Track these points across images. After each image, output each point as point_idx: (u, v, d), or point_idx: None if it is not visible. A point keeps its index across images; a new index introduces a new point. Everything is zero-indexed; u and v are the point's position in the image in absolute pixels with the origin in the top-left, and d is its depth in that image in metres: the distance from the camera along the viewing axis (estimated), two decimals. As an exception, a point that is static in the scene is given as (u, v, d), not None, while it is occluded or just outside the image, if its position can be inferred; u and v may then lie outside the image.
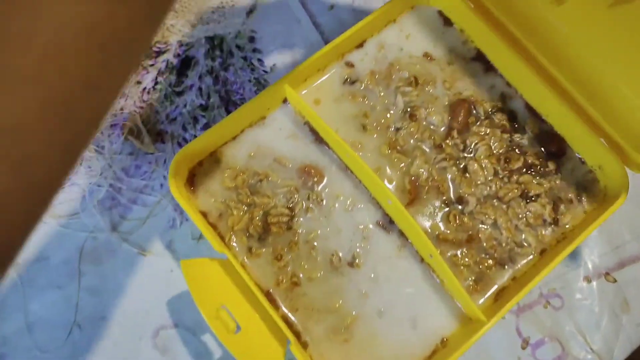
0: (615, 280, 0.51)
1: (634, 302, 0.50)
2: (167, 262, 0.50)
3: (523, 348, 0.49)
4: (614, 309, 0.51)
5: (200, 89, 0.54)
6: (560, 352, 0.50)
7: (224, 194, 0.45)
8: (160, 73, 0.54)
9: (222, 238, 0.44)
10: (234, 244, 0.44)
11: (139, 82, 0.54)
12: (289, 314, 0.43)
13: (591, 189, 0.46)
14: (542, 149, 0.47)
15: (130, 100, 0.53)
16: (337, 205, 0.45)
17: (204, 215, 0.45)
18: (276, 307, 0.43)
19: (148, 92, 0.54)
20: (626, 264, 0.52)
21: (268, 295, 0.43)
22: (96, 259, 0.50)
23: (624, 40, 0.39)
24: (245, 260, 0.44)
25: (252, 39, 0.55)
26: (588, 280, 0.51)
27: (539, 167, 0.47)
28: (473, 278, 0.44)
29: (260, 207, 0.45)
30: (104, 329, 0.48)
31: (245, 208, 0.45)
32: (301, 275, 0.44)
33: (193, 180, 0.46)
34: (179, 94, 0.54)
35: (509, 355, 0.49)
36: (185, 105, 0.54)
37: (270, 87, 0.43)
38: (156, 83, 0.54)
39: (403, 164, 0.46)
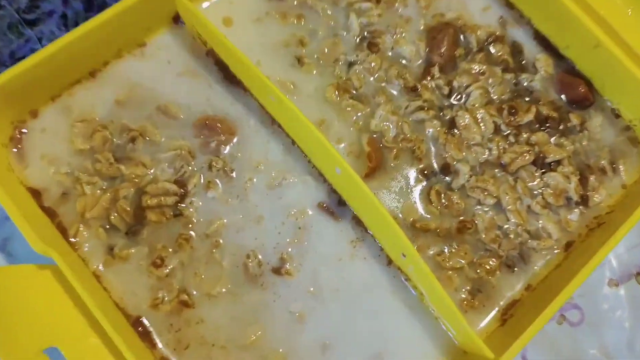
0: (650, 283, 0.42)
1: (676, 313, 0.42)
2: (-2, 272, 0.34)
3: (534, 384, 0.39)
4: (651, 324, 0.41)
5: (64, 16, 0.40)
6: None
7: (72, 160, 0.32)
8: (3, -8, 0.40)
9: (63, 232, 0.30)
10: (85, 242, 0.31)
11: (-33, 4, 0.38)
12: (172, 356, 0.29)
13: (629, 154, 0.36)
14: (561, 95, 0.37)
15: (-46, 29, 0.38)
16: (255, 179, 0.33)
17: (37, 195, 0.31)
18: (151, 344, 0.29)
19: (-18, 20, 0.39)
20: (664, 261, 0.43)
21: (137, 324, 0.30)
22: None
23: None
24: (101, 268, 0.30)
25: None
26: (614, 284, 0.41)
27: (557, 121, 0.36)
28: (468, 288, 0.33)
29: (130, 181, 0.32)
30: None
31: (106, 184, 0.32)
32: (195, 291, 0.31)
33: (21, 140, 0.32)
34: (31, 23, 0.40)
35: (516, 398, 0.37)
36: (40, 39, 0.40)
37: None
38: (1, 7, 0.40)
39: (359, 115, 0.35)
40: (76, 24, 0.40)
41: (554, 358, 0.39)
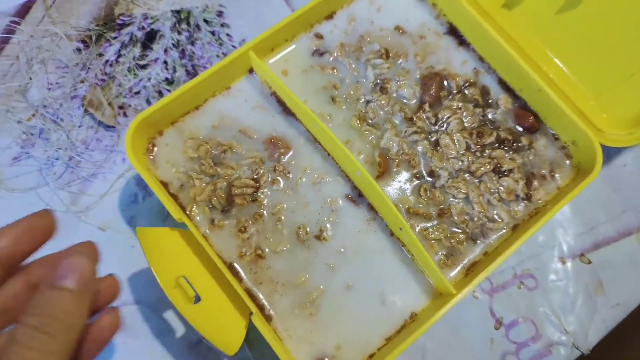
0: (590, 262, 0.50)
1: (608, 284, 0.50)
2: (128, 238, 0.47)
3: (496, 328, 0.48)
4: (588, 291, 0.50)
5: (165, 62, 0.52)
6: (534, 333, 0.49)
7: (185, 164, 0.43)
8: (123, 46, 0.52)
9: (183, 209, 0.42)
10: (196, 216, 0.42)
11: (101, 55, 0.52)
12: (253, 287, 0.41)
13: (564, 165, 0.46)
14: (515, 124, 0.46)
15: (92, 73, 0.51)
16: (304, 178, 0.44)
17: (165, 185, 0.43)
18: (239, 279, 0.41)
19: (110, 65, 0.52)
20: (601, 245, 0.51)
21: (231, 267, 0.41)
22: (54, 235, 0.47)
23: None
24: (208, 232, 0.42)
25: (220, 14, 0.54)
26: (562, 261, 0.51)
27: (511, 142, 0.46)
28: (444, 252, 0.43)
29: (223, 178, 0.43)
30: (60, 307, 0.45)
31: (208, 179, 0.43)
32: (266, 248, 0.42)
33: (153, 150, 0.43)
34: (143, 67, 0.52)
35: (482, 335, 0.48)
36: (149, 79, 0.52)
37: (234, 52, 0.42)
38: (119, 56, 0.52)
39: (373, 137, 0.45)
40: (174, 68, 0.54)
41: (514, 312, 0.48)
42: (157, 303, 0.46)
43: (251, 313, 0.38)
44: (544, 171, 0.45)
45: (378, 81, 0.46)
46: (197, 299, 0.37)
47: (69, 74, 0.51)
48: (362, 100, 0.46)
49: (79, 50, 0.52)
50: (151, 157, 0.43)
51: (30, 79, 0.51)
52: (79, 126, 0.50)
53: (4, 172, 0.48)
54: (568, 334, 0.49)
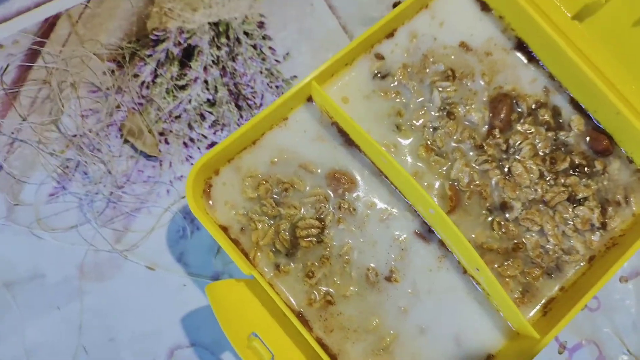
0: (653, 281, 0.48)
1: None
2: (179, 277, 0.45)
3: (560, 353, 0.47)
4: (652, 311, 0.49)
5: (205, 82, 0.49)
6: (597, 355, 0.48)
7: (245, 205, 0.41)
8: (159, 64, 0.48)
9: (246, 255, 0.40)
10: (259, 261, 0.40)
11: (136, 76, 0.48)
12: (324, 336, 0.39)
13: (639, 190, 0.44)
14: (589, 147, 0.44)
15: (128, 97, 0.48)
16: (371, 214, 0.41)
17: (225, 230, 0.40)
18: (309, 328, 0.39)
19: (147, 87, 0.48)
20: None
21: (300, 316, 0.39)
22: (99, 276, 0.45)
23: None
24: (273, 277, 0.40)
25: (261, 25, 0.50)
26: (625, 280, 0.49)
27: (585, 167, 0.43)
28: (519, 290, 0.41)
29: (286, 219, 0.41)
30: (113, 352, 0.44)
31: (271, 221, 0.40)
32: (335, 293, 0.40)
33: (209, 191, 0.40)
34: (182, 88, 0.48)
35: (548, 363, 0.47)
36: (190, 101, 0.48)
37: (297, 85, 0.39)
38: (156, 76, 0.48)
39: (443, 168, 0.42)
40: (215, 88, 0.50)
41: (578, 336, 0.47)
42: (214, 345, 0.45)
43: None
44: (618, 197, 0.43)
45: (445, 106, 0.43)
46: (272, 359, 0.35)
47: (102, 99, 0.47)
48: (429, 127, 0.43)
49: (112, 71, 0.48)
50: (210, 202, 0.40)
51: (62, 106, 0.47)
52: (119, 156, 0.46)
53: (41, 211, 0.45)
54: (631, 354, 0.48)
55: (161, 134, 0.47)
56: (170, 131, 0.47)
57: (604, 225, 0.43)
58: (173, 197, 0.46)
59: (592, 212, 0.42)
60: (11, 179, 0.45)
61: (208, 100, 0.48)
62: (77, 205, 0.46)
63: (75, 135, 0.46)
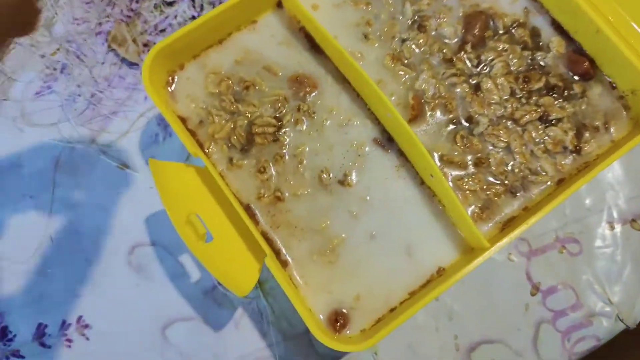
0: (642, 229, 0.45)
1: (662, 254, 0.45)
2: (148, 178, 0.46)
3: (532, 294, 0.45)
4: (638, 260, 0.46)
5: (192, 0, 0.50)
6: (574, 301, 0.45)
7: (206, 100, 0.41)
8: (151, -19, 0.50)
9: (201, 146, 0.40)
10: (214, 154, 0.40)
11: (128, -10, 0.50)
12: (270, 231, 0.39)
13: (621, 117, 0.41)
14: (568, 70, 0.42)
15: (118, 9, 0.50)
16: (330, 119, 0.41)
17: (183, 120, 0.41)
18: (255, 221, 0.39)
19: (137, 1, 0.50)
20: (656, 212, 0.46)
21: (247, 208, 0.39)
22: (73, 171, 0.46)
23: None
24: (225, 170, 0.40)
25: (253, -50, 0.51)
26: (611, 226, 0.47)
27: (562, 89, 0.41)
28: (479, 205, 0.39)
29: (244, 115, 0.41)
30: (77, 242, 0.45)
31: (228, 116, 0.41)
32: (286, 191, 0.40)
33: (173, 84, 0.41)
34: (170, 4, 0.50)
35: (516, 300, 0.45)
36: (175, 17, 0.50)
37: (261, -22, 0.39)
38: (147, -8, 0.50)
39: (407, 78, 0.42)
40: (201, 6, 0.51)
41: (554, 278, 0.45)
42: (174, 245, 0.45)
43: (265, 256, 0.35)
44: (597, 122, 0.41)
45: (416, 18, 0.42)
46: (210, 238, 0.35)
47: (94, 9, 0.50)
48: (398, 38, 0.42)
49: (105, -16, 0.50)
50: (170, 90, 0.41)
51: (56, 13, 0.49)
52: (102, 63, 0.48)
53: (26, 107, 0.48)
54: (612, 304, 0.45)
55: (145, 45, 0.49)
56: (154, 43, 0.49)
57: (577, 150, 0.41)
58: (150, 104, 0.48)
59: (565, 134, 0.41)
60: (3, 76, 0.48)
61: (193, 17, 0.50)
62: (60, 105, 0.48)
63: (65, 40, 0.49)
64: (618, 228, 0.47)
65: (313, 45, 0.42)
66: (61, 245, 0.45)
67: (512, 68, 0.42)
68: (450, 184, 0.39)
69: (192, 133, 0.40)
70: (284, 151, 0.40)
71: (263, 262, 0.36)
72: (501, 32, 0.42)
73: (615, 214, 0.47)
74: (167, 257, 0.45)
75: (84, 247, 0.45)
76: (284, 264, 0.38)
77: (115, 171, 0.46)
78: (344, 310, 0.37)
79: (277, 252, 0.38)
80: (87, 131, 0.47)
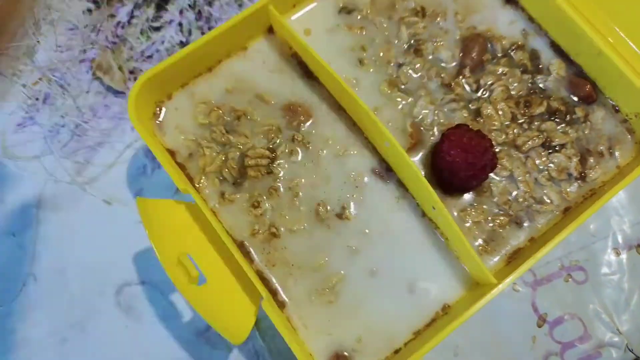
0: (649, 254, 0.44)
1: (670, 280, 0.44)
2: (135, 213, 0.43)
3: (539, 326, 0.43)
4: (646, 287, 0.44)
5: (180, 24, 0.49)
6: (582, 332, 0.43)
7: (195, 131, 0.39)
8: (137, 6, 0.49)
9: (191, 180, 0.38)
10: (205, 188, 0.38)
11: (112, 16, 0.48)
12: (265, 269, 0.37)
13: (625, 141, 0.40)
14: (569, 93, 0.41)
15: (102, 35, 0.48)
16: (326, 149, 0.39)
17: (172, 154, 0.39)
18: (250, 260, 0.37)
19: (122, 27, 0.48)
20: (662, 236, 0.45)
21: (241, 246, 0.37)
22: (56, 206, 0.44)
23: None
24: (217, 206, 0.38)
25: (241, -28, 0.49)
26: (617, 252, 0.45)
27: (564, 113, 0.40)
28: (483, 237, 0.38)
29: (236, 147, 0.39)
30: (62, 282, 0.43)
31: (219, 148, 0.39)
32: (281, 227, 0.38)
33: (160, 115, 0.40)
34: (157, 29, 0.48)
35: (523, 333, 0.43)
36: (163, 42, 0.48)
37: (252, 5, 0.37)
38: (132, 17, 0.48)
39: (405, 104, 0.40)
40: (189, 31, 0.50)
41: (560, 308, 0.43)
42: (165, 284, 0.43)
43: (262, 298, 0.33)
44: (601, 147, 0.40)
45: (412, 42, 0.41)
46: (202, 281, 0.33)
47: (78, 36, 0.48)
48: (394, 63, 0.41)
49: (89, 11, 0.48)
50: (158, 121, 0.39)
51: (38, 41, 0.48)
52: (87, 91, 0.47)
53: (7, 139, 0.46)
54: (621, 334, 0.44)
55: (131, 72, 0.47)
56: (141, 70, 0.47)
57: (582, 176, 0.39)
58: (137, 134, 0.46)
59: (569, 160, 0.39)
60: (-18, 108, 0.46)
61: (181, 42, 0.48)
62: (43, 137, 0.46)
63: (47, 69, 0.47)
64: (624, 254, 0.45)
65: (306, 72, 0.41)
66: (45, 285, 0.43)
67: (512, 92, 0.40)
68: (455, 214, 0.38)
69: (182, 167, 0.39)
70: (279, 184, 0.39)
71: (259, 304, 0.34)
72: (500, 55, 0.41)
73: (620, 240, 0.45)
74: (157, 296, 0.43)
75: (70, 288, 0.42)
76: (281, 305, 0.36)
77: (101, 206, 0.44)
78: (346, 353, 0.35)
79: (273, 293, 0.36)
80: (71, 164, 0.45)
